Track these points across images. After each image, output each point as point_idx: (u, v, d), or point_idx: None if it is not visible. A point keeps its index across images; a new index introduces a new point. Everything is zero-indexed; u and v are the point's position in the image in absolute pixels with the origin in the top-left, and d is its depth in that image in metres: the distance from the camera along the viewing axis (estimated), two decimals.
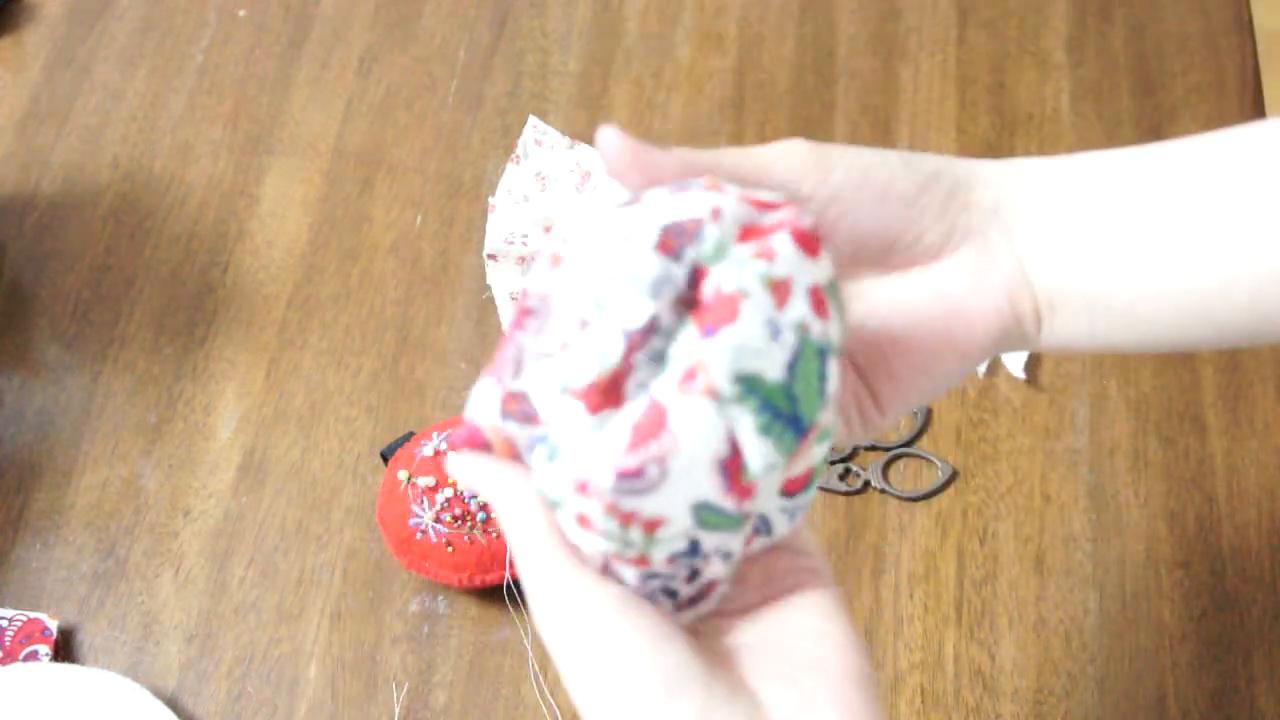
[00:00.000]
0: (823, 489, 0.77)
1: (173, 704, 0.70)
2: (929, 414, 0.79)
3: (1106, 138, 0.90)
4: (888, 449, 0.78)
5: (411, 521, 0.72)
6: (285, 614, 0.74)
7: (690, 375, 0.35)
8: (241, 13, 0.98)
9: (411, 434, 0.77)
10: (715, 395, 0.35)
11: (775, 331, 0.36)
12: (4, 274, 0.86)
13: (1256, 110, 0.91)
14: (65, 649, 0.73)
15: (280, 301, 0.85)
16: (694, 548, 0.37)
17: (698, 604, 0.40)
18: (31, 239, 0.88)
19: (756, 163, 0.42)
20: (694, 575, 0.38)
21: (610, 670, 0.36)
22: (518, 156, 0.86)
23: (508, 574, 0.72)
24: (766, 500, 0.39)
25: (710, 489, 0.36)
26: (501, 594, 0.73)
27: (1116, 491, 0.77)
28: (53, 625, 0.72)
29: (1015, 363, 0.81)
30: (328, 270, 0.86)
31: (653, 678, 0.36)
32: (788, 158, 0.42)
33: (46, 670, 0.69)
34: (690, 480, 0.35)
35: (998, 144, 0.90)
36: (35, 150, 0.92)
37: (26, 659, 0.71)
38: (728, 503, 0.36)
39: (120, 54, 0.97)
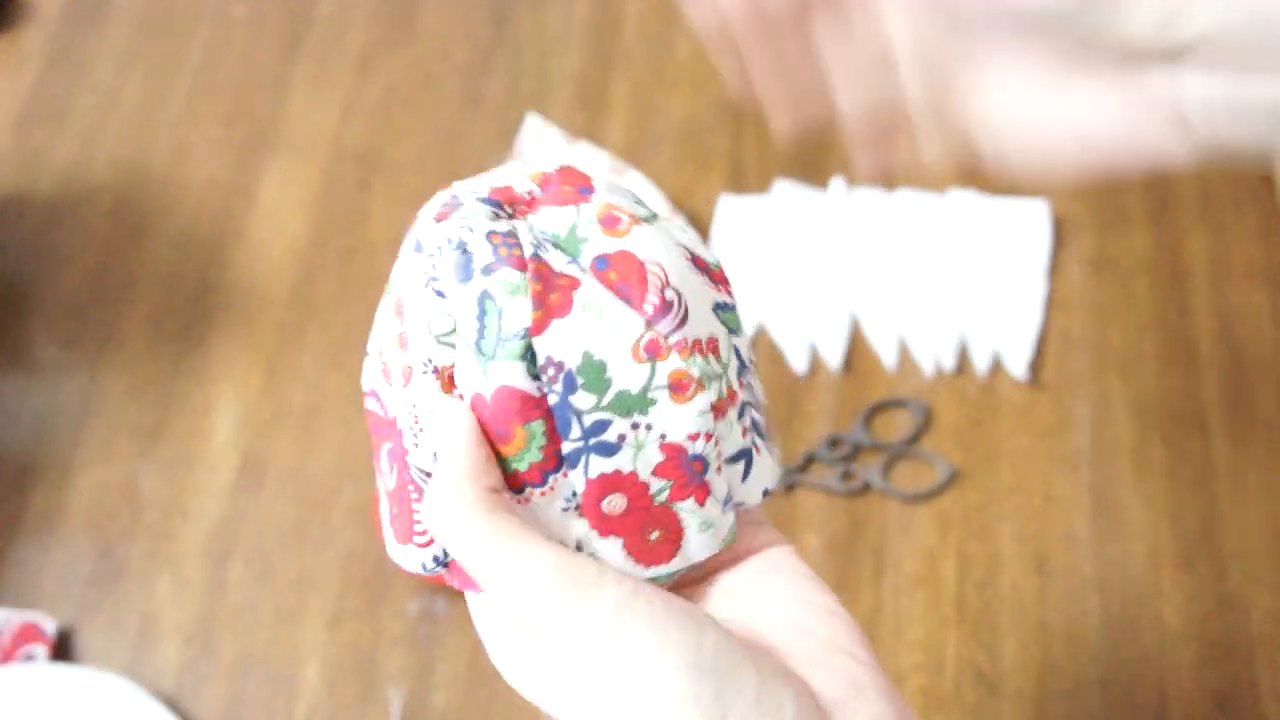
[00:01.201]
0: (823, 489, 0.77)
1: (171, 705, 0.70)
2: (929, 414, 0.79)
3: None
4: (888, 449, 0.78)
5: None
6: (284, 615, 0.74)
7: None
8: (239, 12, 0.98)
9: None
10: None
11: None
12: (1, 274, 0.86)
13: None
14: (63, 650, 0.73)
15: (279, 301, 0.85)
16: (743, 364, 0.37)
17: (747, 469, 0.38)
18: (29, 239, 0.88)
19: None
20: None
21: (639, 671, 0.32)
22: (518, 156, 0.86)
23: None
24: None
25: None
26: None
27: (1118, 492, 0.77)
28: (50, 626, 0.72)
29: (1017, 363, 0.80)
30: (326, 270, 0.86)
31: (692, 666, 0.32)
32: None
33: (44, 671, 0.69)
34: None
35: None
36: (32, 150, 0.92)
37: (24, 660, 0.70)
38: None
39: (118, 53, 0.96)
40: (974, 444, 0.78)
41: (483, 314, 0.35)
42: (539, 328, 0.34)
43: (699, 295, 0.37)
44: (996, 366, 0.81)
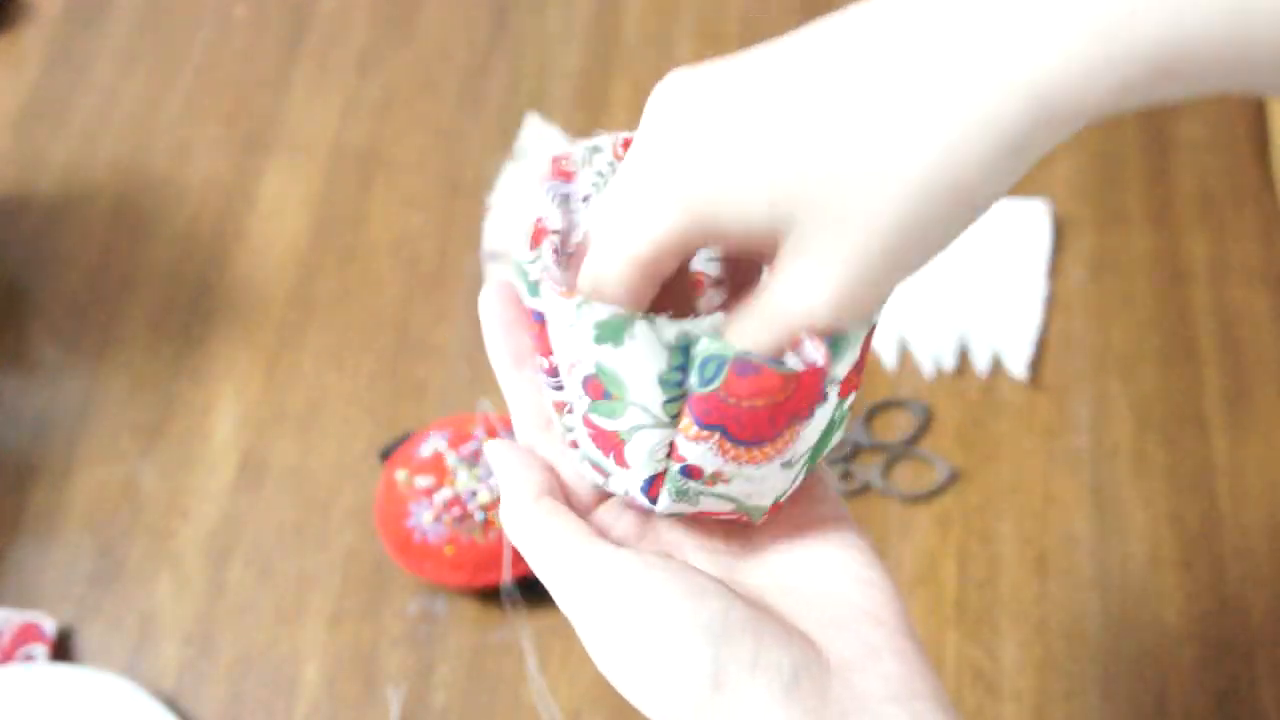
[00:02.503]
0: None
1: (171, 705, 0.70)
2: (929, 414, 0.79)
3: (1106, 136, 0.90)
4: (888, 449, 0.78)
5: (409, 522, 0.72)
6: (284, 615, 0.74)
7: None
8: (240, 12, 0.98)
9: (410, 434, 0.76)
10: None
11: None
12: (1, 273, 0.86)
13: (1257, 109, 0.91)
14: (63, 650, 0.72)
15: (279, 301, 0.85)
16: None
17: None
18: (29, 239, 0.87)
19: None
20: None
21: (648, 632, 0.35)
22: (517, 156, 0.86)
23: (506, 575, 0.71)
24: None
25: None
26: (500, 595, 0.73)
27: (1118, 492, 0.77)
28: (50, 626, 0.72)
29: (1017, 363, 0.80)
30: (326, 270, 0.86)
31: (695, 630, 0.34)
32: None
33: (44, 671, 0.69)
34: None
35: None
36: (32, 150, 0.92)
37: (24, 660, 0.70)
38: None
39: (118, 53, 0.96)
40: (974, 444, 0.78)
41: None
42: None
43: None
44: (996, 367, 0.81)
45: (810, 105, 0.32)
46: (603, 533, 0.39)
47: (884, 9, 0.33)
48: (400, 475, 0.73)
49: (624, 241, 0.35)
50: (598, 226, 0.36)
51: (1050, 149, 0.32)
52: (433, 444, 0.73)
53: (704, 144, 0.34)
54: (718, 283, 0.40)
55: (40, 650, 0.71)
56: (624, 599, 0.35)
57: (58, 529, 0.77)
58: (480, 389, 0.80)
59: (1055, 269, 0.84)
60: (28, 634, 0.71)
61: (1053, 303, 0.83)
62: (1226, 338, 0.82)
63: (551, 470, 0.40)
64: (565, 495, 0.40)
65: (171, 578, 0.75)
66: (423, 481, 0.72)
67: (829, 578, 0.38)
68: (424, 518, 0.71)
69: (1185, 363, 0.81)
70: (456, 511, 0.71)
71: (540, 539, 0.37)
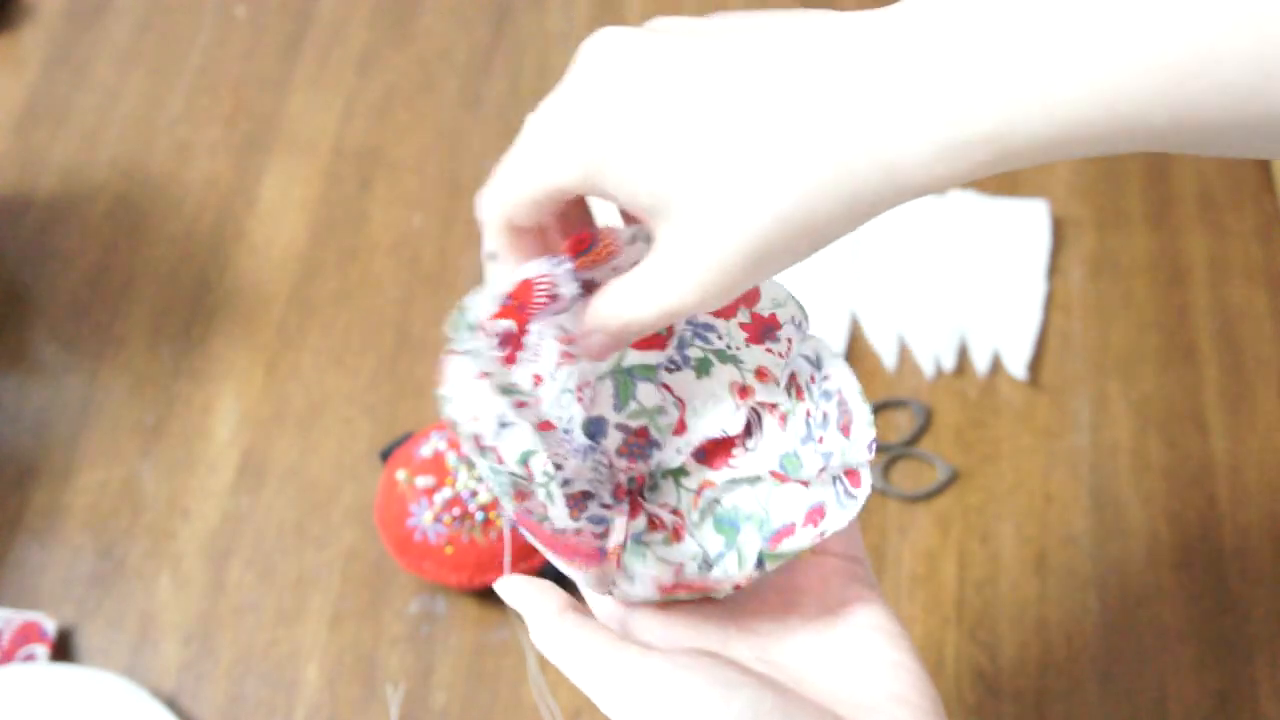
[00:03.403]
0: None
1: (171, 705, 0.70)
2: (929, 414, 0.79)
3: None
4: (888, 449, 0.78)
5: (410, 522, 0.72)
6: (284, 615, 0.74)
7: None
8: (240, 12, 0.98)
9: (410, 434, 0.76)
10: None
11: None
12: (2, 274, 0.86)
13: None
14: (63, 650, 0.73)
15: (279, 301, 0.85)
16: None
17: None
18: (29, 239, 0.88)
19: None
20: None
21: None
22: None
23: (506, 575, 0.71)
24: None
25: None
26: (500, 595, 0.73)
27: (1118, 492, 0.77)
28: (50, 626, 0.72)
29: (1017, 363, 0.80)
30: (327, 270, 0.86)
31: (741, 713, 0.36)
32: None
33: (44, 671, 0.69)
34: None
35: None
36: (33, 150, 0.92)
37: (24, 660, 0.70)
38: None
39: (118, 53, 0.96)
40: (974, 444, 0.78)
41: None
42: None
43: None
44: (996, 367, 0.81)
45: (714, 115, 0.37)
46: (631, 633, 0.42)
47: (804, 60, 0.37)
48: (400, 475, 0.73)
49: (519, 178, 0.41)
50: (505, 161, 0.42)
51: (898, 206, 0.37)
52: (433, 444, 0.73)
53: (614, 110, 0.39)
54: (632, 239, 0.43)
55: (41, 650, 0.71)
56: (658, 700, 0.37)
57: (58, 529, 0.77)
58: None
59: (1055, 269, 0.84)
60: (28, 634, 0.71)
61: (1052, 303, 0.83)
62: (1226, 337, 0.82)
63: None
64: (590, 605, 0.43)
65: (172, 578, 0.75)
66: (423, 481, 0.72)
67: (859, 659, 0.40)
68: (424, 518, 0.71)
69: (1184, 362, 0.81)
70: (457, 511, 0.71)
71: (572, 654, 0.39)
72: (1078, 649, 0.72)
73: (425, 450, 0.73)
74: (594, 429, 0.46)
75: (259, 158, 0.91)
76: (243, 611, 0.74)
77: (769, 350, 0.45)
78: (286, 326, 0.84)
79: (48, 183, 0.90)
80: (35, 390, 0.82)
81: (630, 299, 0.41)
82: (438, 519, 0.71)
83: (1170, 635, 0.72)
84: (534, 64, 0.95)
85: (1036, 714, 0.70)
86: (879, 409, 0.79)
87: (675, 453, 0.47)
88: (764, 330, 0.45)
